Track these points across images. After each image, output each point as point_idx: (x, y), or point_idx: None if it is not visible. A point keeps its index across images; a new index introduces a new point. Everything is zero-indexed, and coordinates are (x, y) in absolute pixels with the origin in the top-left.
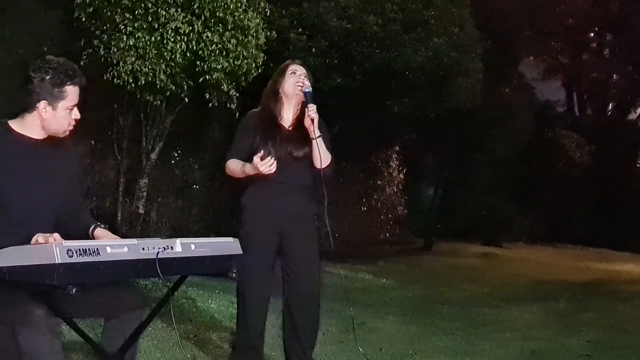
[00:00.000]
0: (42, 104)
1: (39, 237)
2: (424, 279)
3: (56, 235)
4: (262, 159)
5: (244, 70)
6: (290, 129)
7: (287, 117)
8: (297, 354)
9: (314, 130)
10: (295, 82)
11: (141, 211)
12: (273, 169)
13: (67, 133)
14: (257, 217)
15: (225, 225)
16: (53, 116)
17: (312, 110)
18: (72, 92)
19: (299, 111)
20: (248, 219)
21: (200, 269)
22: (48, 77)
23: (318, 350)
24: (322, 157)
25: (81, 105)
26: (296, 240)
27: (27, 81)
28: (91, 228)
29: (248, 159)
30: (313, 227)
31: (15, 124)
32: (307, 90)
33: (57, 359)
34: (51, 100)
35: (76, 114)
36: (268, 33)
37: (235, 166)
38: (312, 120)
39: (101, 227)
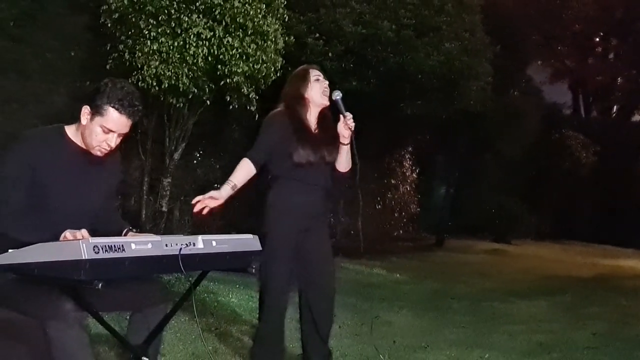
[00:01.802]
0: (85, 109)
1: (67, 233)
2: (436, 274)
3: (84, 231)
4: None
5: (263, 74)
6: (316, 132)
7: (312, 121)
8: (314, 346)
9: (347, 137)
10: (322, 89)
11: (164, 209)
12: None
13: (99, 154)
14: (284, 216)
15: (245, 223)
16: (87, 126)
17: (350, 119)
18: (112, 116)
19: (319, 115)
20: (275, 217)
21: (221, 264)
22: (103, 91)
23: (334, 342)
24: (348, 162)
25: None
26: (313, 236)
27: (93, 89)
28: (123, 232)
29: (270, 157)
30: (327, 224)
31: (70, 130)
32: (338, 97)
33: (84, 351)
34: (93, 109)
35: (111, 140)
36: (286, 38)
37: (241, 167)
38: (351, 128)
39: (133, 231)
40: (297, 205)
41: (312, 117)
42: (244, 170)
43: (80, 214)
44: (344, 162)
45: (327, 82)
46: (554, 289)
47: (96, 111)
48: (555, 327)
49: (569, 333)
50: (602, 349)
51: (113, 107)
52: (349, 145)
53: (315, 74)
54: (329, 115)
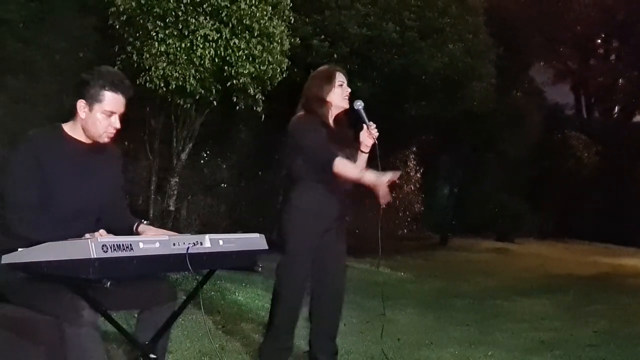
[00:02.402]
0: (80, 103)
1: (88, 236)
2: (440, 272)
3: (102, 231)
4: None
5: (269, 75)
6: (338, 134)
7: (331, 123)
8: (321, 343)
9: (369, 146)
10: (344, 95)
11: (172, 208)
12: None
13: (106, 140)
14: (308, 219)
15: (251, 222)
16: (89, 117)
17: (373, 128)
18: (110, 98)
19: (335, 117)
20: (298, 219)
21: (228, 263)
22: (91, 81)
23: (339, 340)
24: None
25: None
26: (331, 236)
27: (77, 85)
28: (135, 225)
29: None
30: (344, 225)
31: (67, 127)
32: (360, 107)
33: (98, 349)
34: (89, 101)
35: (115, 123)
36: (292, 40)
37: (350, 169)
38: (374, 137)
39: (144, 223)
40: (321, 208)
41: (331, 120)
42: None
43: (85, 210)
44: (360, 167)
45: (349, 90)
46: (556, 287)
47: (93, 100)
48: (558, 325)
49: (571, 331)
50: (603, 347)
51: (108, 90)
52: (367, 154)
53: (340, 79)
54: (345, 118)
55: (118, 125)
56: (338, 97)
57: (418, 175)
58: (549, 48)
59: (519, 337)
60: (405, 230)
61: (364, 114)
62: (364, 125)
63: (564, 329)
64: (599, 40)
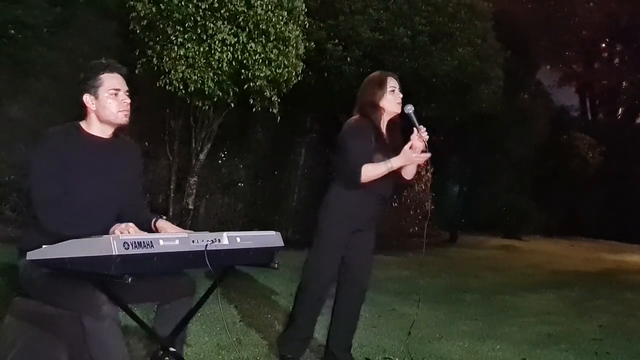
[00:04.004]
0: (85, 97)
1: (117, 228)
2: (450, 269)
3: (131, 224)
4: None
5: (285, 78)
6: (388, 140)
7: (383, 128)
8: (338, 338)
9: (421, 149)
10: (396, 101)
11: (191, 207)
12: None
13: (125, 119)
14: (341, 221)
15: (268, 220)
16: (99, 105)
17: (423, 131)
18: (108, 78)
19: (389, 122)
20: (331, 219)
21: (245, 260)
22: (86, 74)
23: None
24: (414, 171)
25: (130, 93)
26: (362, 236)
27: (76, 86)
28: (153, 220)
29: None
30: (375, 226)
31: (84, 125)
32: (411, 110)
33: (118, 343)
34: (92, 91)
35: (124, 99)
36: (307, 44)
37: (375, 169)
38: (425, 140)
39: (162, 219)
40: (355, 210)
41: (383, 125)
42: (378, 164)
43: (104, 203)
44: (411, 171)
45: (401, 95)
46: (562, 283)
47: (95, 88)
48: (563, 320)
49: (577, 325)
50: (607, 340)
51: (103, 73)
52: None
53: (392, 84)
54: (399, 123)
55: (128, 100)
56: (390, 102)
57: (428, 174)
58: (555, 52)
59: (526, 331)
60: (416, 228)
61: (414, 118)
62: (415, 129)
63: (570, 323)
64: (604, 44)
